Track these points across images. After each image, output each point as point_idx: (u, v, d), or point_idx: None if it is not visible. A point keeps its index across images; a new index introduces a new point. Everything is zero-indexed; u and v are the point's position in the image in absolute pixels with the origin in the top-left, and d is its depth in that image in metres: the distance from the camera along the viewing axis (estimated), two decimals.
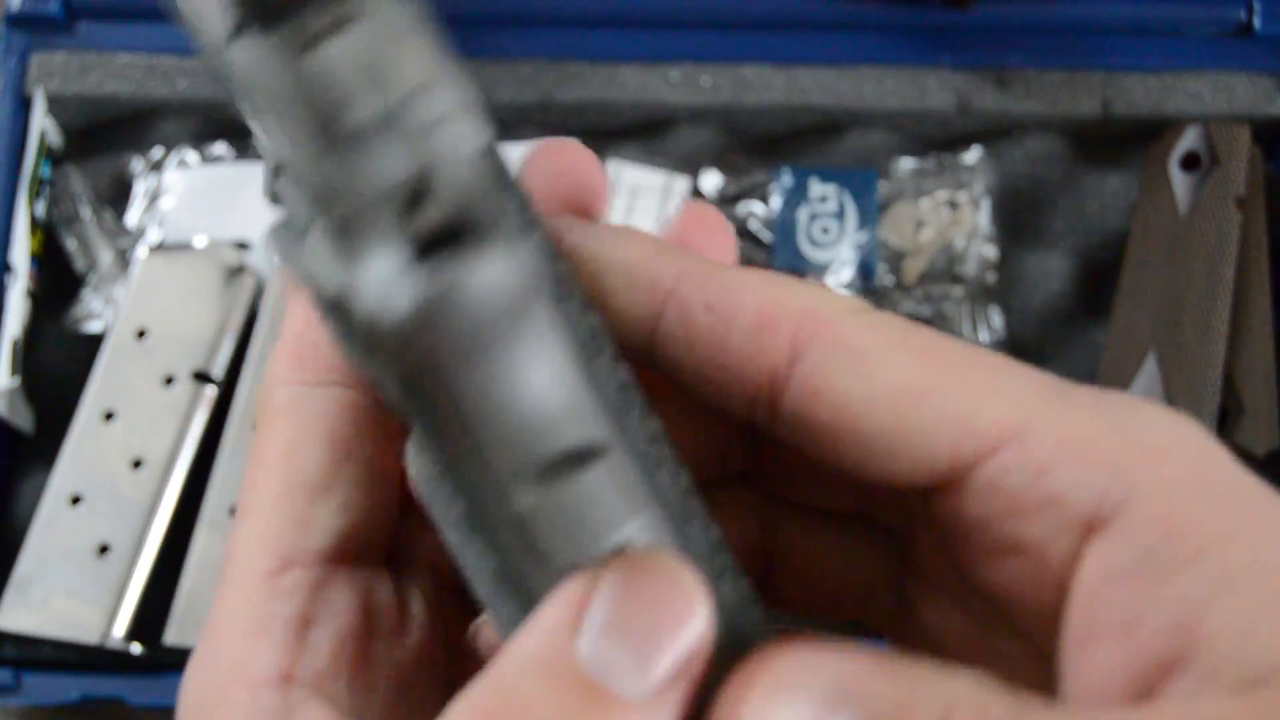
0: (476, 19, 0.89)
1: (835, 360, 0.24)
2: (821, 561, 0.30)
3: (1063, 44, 0.89)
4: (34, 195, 0.85)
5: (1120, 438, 0.22)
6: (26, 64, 0.88)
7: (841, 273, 0.86)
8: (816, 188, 0.87)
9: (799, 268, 0.86)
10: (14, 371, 0.80)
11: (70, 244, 0.86)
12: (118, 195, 0.88)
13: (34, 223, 0.85)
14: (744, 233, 0.88)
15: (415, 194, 0.21)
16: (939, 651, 0.26)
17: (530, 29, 0.89)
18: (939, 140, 0.90)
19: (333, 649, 0.26)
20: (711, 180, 0.88)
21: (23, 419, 0.81)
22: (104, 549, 0.72)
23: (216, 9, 0.21)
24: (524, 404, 0.23)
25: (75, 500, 0.74)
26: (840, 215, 0.87)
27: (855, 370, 0.24)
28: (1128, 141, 0.89)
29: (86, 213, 0.86)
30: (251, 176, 0.86)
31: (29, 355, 0.82)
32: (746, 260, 0.87)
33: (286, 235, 0.23)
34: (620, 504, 0.24)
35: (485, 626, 0.30)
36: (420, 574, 0.29)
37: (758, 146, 0.90)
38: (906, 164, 0.88)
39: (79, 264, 0.85)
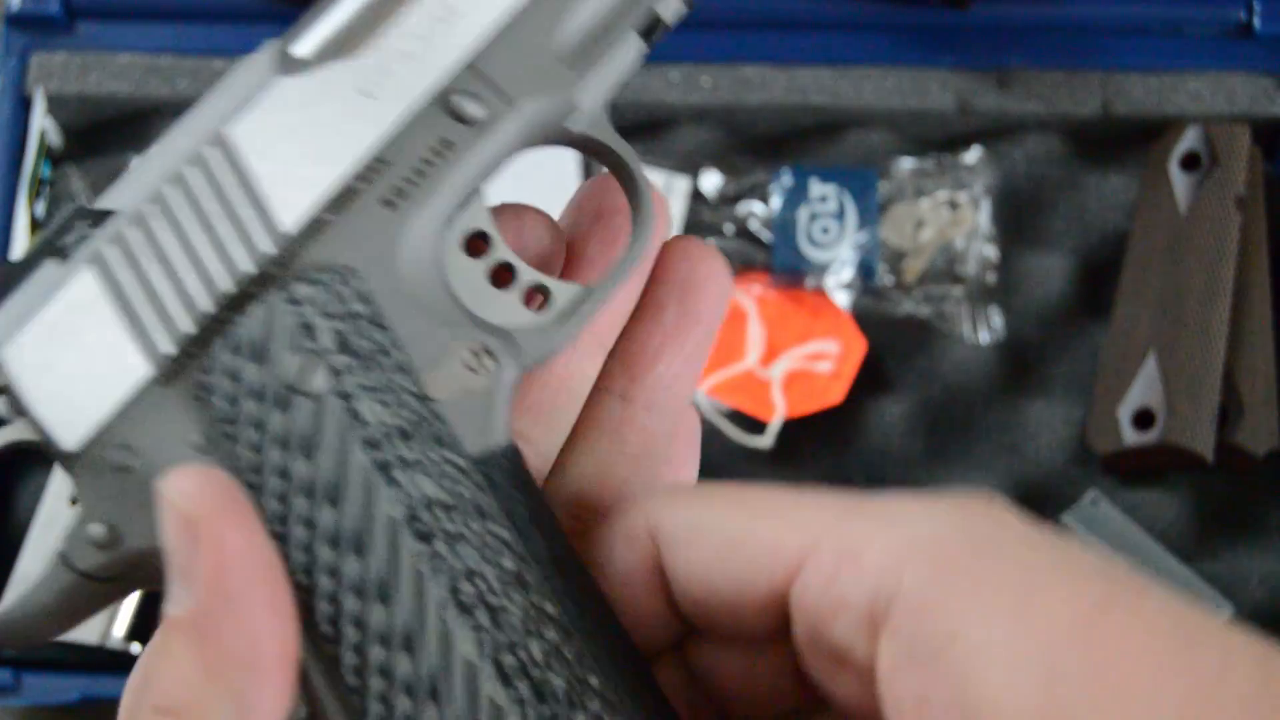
0: None
1: (673, 541, 0.29)
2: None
3: (1063, 44, 0.89)
4: (34, 195, 0.85)
5: (892, 540, 0.26)
6: (26, 64, 0.88)
7: (841, 273, 0.86)
8: (816, 188, 0.87)
9: (799, 267, 0.86)
10: None
11: None
12: None
13: (34, 222, 0.85)
14: (744, 233, 0.88)
15: None
16: None
17: None
18: (939, 140, 0.90)
19: None
20: (711, 180, 0.88)
21: None
22: None
23: None
24: None
25: (75, 500, 0.74)
26: (840, 215, 0.87)
27: (689, 543, 0.29)
28: (1128, 141, 0.89)
29: None
30: None
31: None
32: (747, 260, 0.87)
33: None
34: None
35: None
36: None
37: (758, 146, 0.90)
38: (906, 164, 0.88)
39: None
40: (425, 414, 0.29)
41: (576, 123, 0.32)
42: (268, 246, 0.30)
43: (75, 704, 0.72)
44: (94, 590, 0.30)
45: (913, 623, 0.25)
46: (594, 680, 0.28)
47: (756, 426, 0.84)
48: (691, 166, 0.88)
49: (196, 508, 0.26)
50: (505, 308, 0.31)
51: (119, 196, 0.30)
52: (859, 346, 0.85)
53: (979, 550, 0.25)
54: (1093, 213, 0.89)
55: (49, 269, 0.30)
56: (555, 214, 0.35)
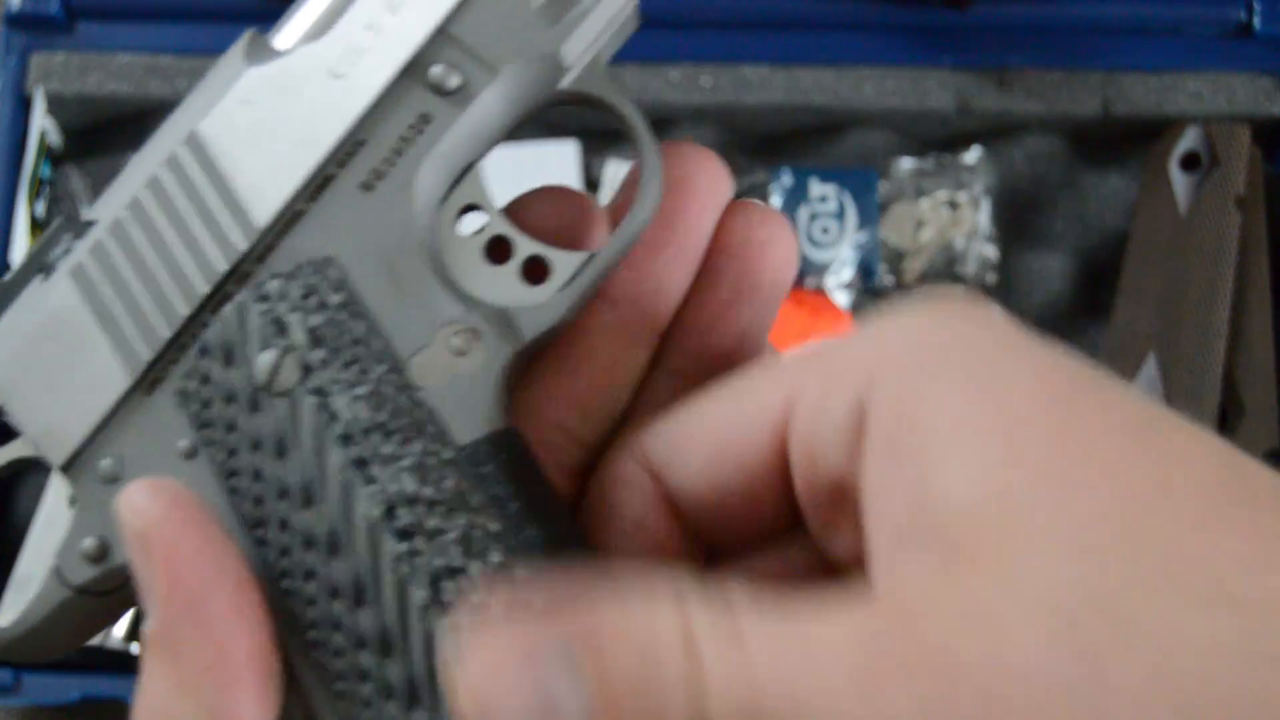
0: None
1: (667, 458, 0.29)
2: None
3: (1063, 44, 0.89)
4: (34, 195, 0.85)
5: (870, 349, 0.25)
6: (26, 64, 0.88)
7: (841, 272, 0.86)
8: (816, 188, 0.87)
9: (799, 267, 0.86)
10: None
11: None
12: None
13: (34, 222, 0.85)
14: None
15: None
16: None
17: None
18: (939, 140, 0.90)
19: None
20: None
21: None
22: None
23: None
24: None
25: (75, 500, 0.74)
26: (840, 215, 0.87)
27: (683, 449, 0.29)
28: (1128, 141, 0.89)
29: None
30: None
31: None
32: None
33: None
34: None
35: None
36: None
37: (758, 146, 0.90)
38: (906, 164, 0.88)
39: None
40: (408, 404, 0.28)
41: (568, 81, 0.30)
42: (241, 243, 0.29)
43: (75, 704, 0.72)
44: (92, 606, 0.30)
45: (882, 419, 0.24)
46: None
47: None
48: None
49: (146, 521, 0.26)
50: (503, 283, 0.30)
51: (103, 206, 0.30)
52: None
53: (950, 345, 0.25)
54: (1093, 213, 0.89)
55: (34, 286, 0.30)
56: None
